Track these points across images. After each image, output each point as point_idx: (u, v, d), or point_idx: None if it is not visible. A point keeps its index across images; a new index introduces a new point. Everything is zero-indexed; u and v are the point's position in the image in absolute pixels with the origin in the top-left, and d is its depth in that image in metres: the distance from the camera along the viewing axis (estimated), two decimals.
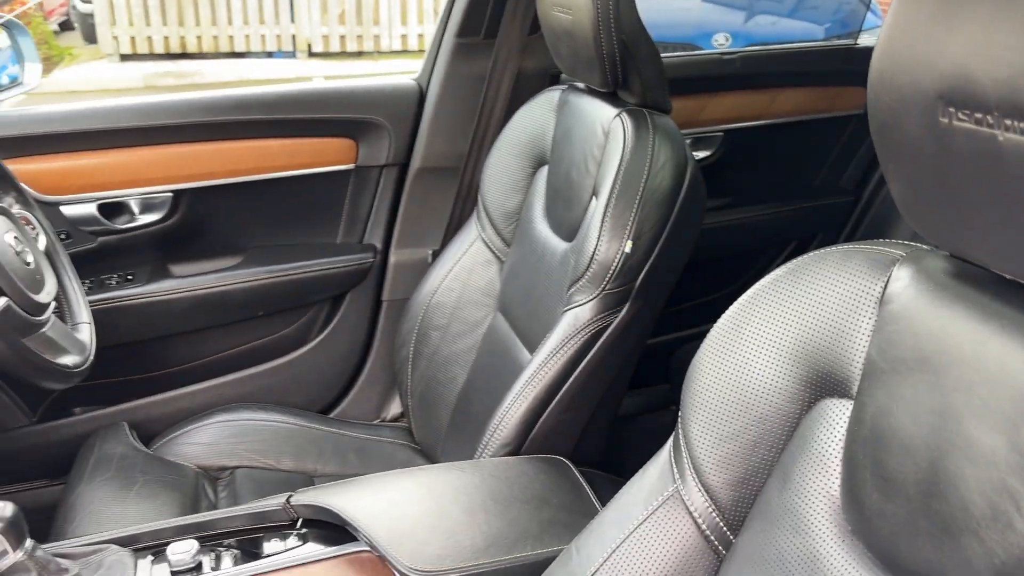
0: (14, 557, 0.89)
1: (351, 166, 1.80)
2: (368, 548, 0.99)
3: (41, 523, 1.14)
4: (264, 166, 1.73)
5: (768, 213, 2.13)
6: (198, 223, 1.75)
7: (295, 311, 1.86)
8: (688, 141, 1.99)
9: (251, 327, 1.83)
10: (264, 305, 1.81)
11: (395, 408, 1.89)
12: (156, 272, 1.73)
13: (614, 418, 1.37)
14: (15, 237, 1.18)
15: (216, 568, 0.98)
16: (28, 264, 1.18)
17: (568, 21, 1.23)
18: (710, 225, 1.99)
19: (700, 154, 2.04)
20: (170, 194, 1.69)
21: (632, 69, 1.22)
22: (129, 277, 1.71)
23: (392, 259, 1.85)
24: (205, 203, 1.73)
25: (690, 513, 0.72)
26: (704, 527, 0.72)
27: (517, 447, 1.20)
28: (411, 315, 1.59)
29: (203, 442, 1.56)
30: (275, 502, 1.06)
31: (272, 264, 1.78)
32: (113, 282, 1.69)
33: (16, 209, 1.29)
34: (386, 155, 1.79)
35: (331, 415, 1.86)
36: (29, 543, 0.91)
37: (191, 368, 1.80)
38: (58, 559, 0.95)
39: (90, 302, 1.40)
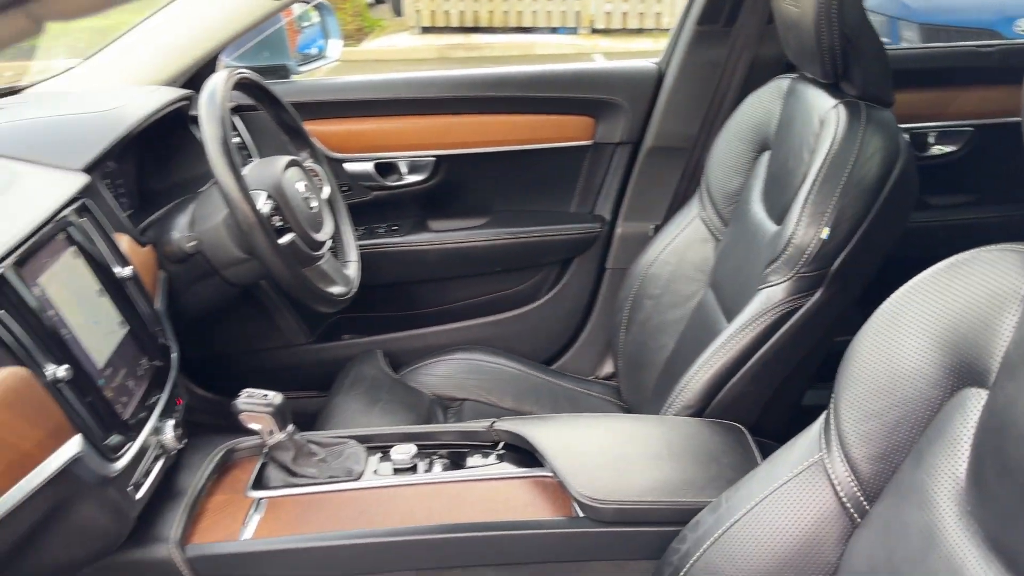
0: (278, 436, 1.11)
1: (589, 142, 1.91)
2: (551, 474, 1.09)
3: (305, 426, 1.32)
4: (512, 139, 1.89)
5: (1020, 215, 1.96)
6: (454, 185, 1.94)
7: (529, 270, 2.00)
8: (932, 135, 1.92)
9: (490, 281, 2.01)
10: (503, 262, 1.97)
11: (608, 368, 1.97)
12: (417, 225, 1.95)
13: (799, 403, 1.37)
14: (304, 185, 1.39)
15: (428, 471, 1.15)
16: (312, 208, 1.40)
17: (796, 13, 1.24)
18: (948, 222, 1.89)
19: (945, 149, 1.93)
20: (433, 159, 1.90)
21: (854, 62, 1.21)
22: (394, 228, 1.94)
23: (618, 230, 1.94)
24: (461, 168, 1.92)
25: (831, 480, 0.77)
26: (842, 494, 0.76)
27: (699, 410, 1.24)
28: (628, 283, 1.65)
29: (440, 374, 1.73)
30: (481, 425, 1.20)
31: (513, 227, 1.93)
32: (381, 230, 1.93)
33: (308, 163, 1.50)
34: (621, 133, 1.88)
35: (551, 367, 1.97)
36: (291, 427, 1.12)
37: (438, 311, 2.01)
38: (310, 444, 1.16)
39: (360, 246, 1.60)
